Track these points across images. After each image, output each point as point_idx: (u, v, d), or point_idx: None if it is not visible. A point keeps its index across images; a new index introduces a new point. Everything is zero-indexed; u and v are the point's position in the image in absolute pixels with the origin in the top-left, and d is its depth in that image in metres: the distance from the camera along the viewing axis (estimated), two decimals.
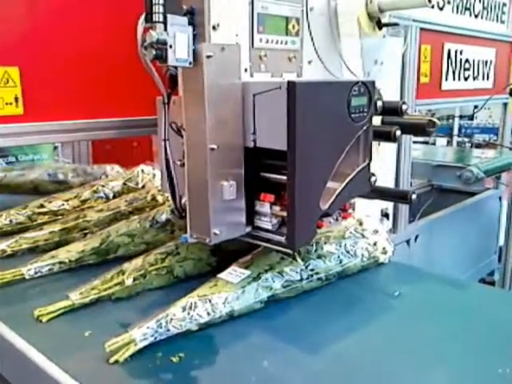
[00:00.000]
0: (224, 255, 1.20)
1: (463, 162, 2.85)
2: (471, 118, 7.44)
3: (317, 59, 1.22)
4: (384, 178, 1.71)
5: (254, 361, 0.89)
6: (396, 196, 1.31)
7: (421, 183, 2.77)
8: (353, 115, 1.04)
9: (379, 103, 1.12)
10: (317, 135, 0.98)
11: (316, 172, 0.99)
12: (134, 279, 1.11)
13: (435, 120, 1.26)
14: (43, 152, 5.58)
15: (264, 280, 1.06)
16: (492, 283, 2.86)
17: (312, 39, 1.20)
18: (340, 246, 1.20)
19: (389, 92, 1.58)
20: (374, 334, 0.98)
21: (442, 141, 6.41)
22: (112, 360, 0.86)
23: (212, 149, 0.96)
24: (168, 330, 0.92)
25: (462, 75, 2.53)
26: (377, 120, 1.24)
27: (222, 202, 1.00)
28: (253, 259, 1.13)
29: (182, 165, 1.06)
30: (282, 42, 1.14)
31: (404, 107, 1.19)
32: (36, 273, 1.18)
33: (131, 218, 1.39)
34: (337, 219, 1.13)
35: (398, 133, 1.16)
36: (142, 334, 0.89)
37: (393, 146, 2.08)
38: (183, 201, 1.10)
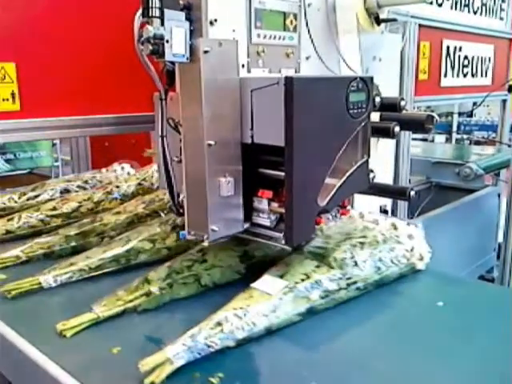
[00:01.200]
0: (252, 262, 1.15)
1: (462, 158, 2.85)
2: (470, 115, 7.44)
3: (315, 55, 1.22)
4: (383, 174, 1.70)
5: (302, 381, 0.82)
6: (395, 192, 1.31)
7: (419, 180, 2.77)
8: (351, 111, 1.03)
9: (377, 99, 1.12)
10: (315, 131, 0.98)
11: (314, 168, 0.99)
12: (161, 289, 1.04)
13: (434, 115, 1.26)
14: (42, 149, 5.58)
15: (301, 290, 0.99)
16: (491, 280, 2.86)
17: (310, 35, 1.19)
18: (376, 253, 1.13)
19: (388, 89, 1.58)
20: (425, 352, 0.90)
21: (440, 138, 6.41)
22: (148, 382, 0.79)
23: (209, 145, 0.96)
24: (204, 348, 0.84)
25: (460, 72, 2.52)
26: (375, 116, 1.23)
27: (220, 199, 1.00)
28: (286, 267, 1.07)
29: (180, 161, 1.05)
30: (279, 38, 1.14)
31: (402, 103, 1.19)
32: (55, 281, 1.11)
33: (150, 222, 1.35)
34: (335, 216, 1.13)
35: (397, 129, 1.16)
36: (176, 351, 0.82)
37: (392, 143, 2.07)
38: (181, 198, 1.09)
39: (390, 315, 1.03)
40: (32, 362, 0.87)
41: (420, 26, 2.10)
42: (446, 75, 2.44)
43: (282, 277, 1.03)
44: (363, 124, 1.07)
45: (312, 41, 1.20)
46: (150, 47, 0.90)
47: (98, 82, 1.26)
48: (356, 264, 1.09)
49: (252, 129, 1.00)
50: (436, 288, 1.18)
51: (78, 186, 1.70)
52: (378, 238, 1.18)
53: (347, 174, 1.06)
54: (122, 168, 1.82)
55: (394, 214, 2.14)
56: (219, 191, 0.99)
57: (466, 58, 2.55)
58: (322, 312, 1.01)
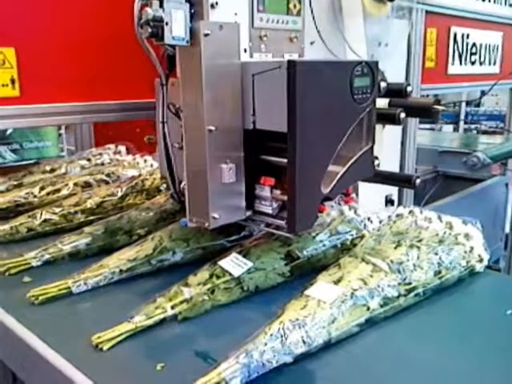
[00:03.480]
0: (297, 264, 1.08)
1: (469, 147, 2.81)
2: (478, 104, 7.37)
3: (319, 40, 1.20)
4: (388, 163, 1.68)
5: None
6: (400, 180, 1.29)
7: (426, 169, 2.74)
8: (355, 96, 1.01)
9: (383, 84, 1.09)
10: (318, 117, 0.95)
11: (317, 154, 0.97)
12: (202, 295, 0.97)
13: (440, 100, 1.23)
14: (48, 139, 5.58)
15: (360, 298, 0.91)
16: (498, 270, 2.84)
17: (314, 19, 1.17)
18: (435, 255, 1.04)
19: (394, 76, 1.55)
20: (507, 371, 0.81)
21: (448, 128, 6.35)
22: None
23: (210, 130, 0.94)
24: (262, 365, 0.76)
25: (468, 60, 2.48)
26: (384, 102, 1.21)
27: (222, 186, 0.98)
28: (340, 272, 0.99)
29: (181, 148, 1.03)
30: (282, 22, 1.11)
31: (408, 88, 1.16)
32: (85, 285, 1.04)
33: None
34: (339, 203, 1.11)
35: (403, 115, 1.13)
36: (231, 371, 0.74)
37: (398, 131, 2.05)
38: (182, 185, 1.08)
39: (456, 326, 0.94)
40: (68, 381, 0.79)
41: (427, 12, 2.07)
42: (453, 63, 2.40)
43: (337, 283, 0.95)
44: (368, 110, 1.04)
45: (316, 25, 1.18)
46: (149, 30, 0.88)
47: (98, 67, 1.24)
48: (415, 268, 1.00)
49: (254, 114, 0.98)
50: (501, 293, 1.09)
51: (101, 180, 1.63)
52: (435, 239, 1.10)
53: (351, 161, 1.04)
54: (119, 152, 1.81)
55: (400, 203, 2.12)
56: (220, 178, 0.97)
57: (473, 45, 2.51)
58: (381, 322, 0.93)
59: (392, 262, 1.00)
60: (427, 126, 5.74)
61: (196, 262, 1.10)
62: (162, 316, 0.92)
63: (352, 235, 1.16)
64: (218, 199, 0.98)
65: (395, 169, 2.02)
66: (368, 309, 0.91)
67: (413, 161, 2.19)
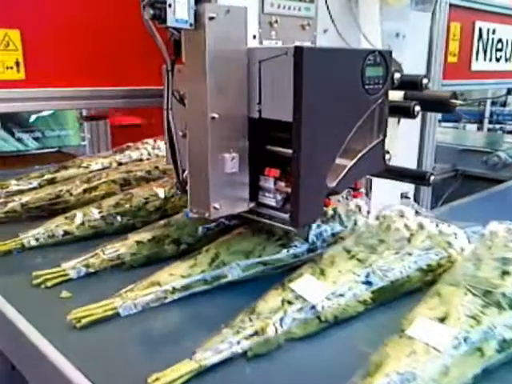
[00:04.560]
0: (379, 289, 0.93)
1: (492, 147, 2.73)
2: (504, 104, 7.20)
3: (333, 28, 1.15)
4: (406, 160, 1.63)
5: None
6: (413, 177, 1.24)
7: (445, 168, 2.67)
8: (367, 86, 0.97)
9: (397, 75, 1.05)
10: (326, 106, 0.92)
11: (324, 146, 0.93)
12: (275, 326, 0.82)
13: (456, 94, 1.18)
14: (69, 128, 5.63)
15: (474, 342, 0.75)
16: None
17: (327, 6, 1.13)
18: None
19: (413, 70, 1.49)
20: None
21: (472, 127, 6.22)
22: None
23: (213, 118, 0.91)
24: None
25: (493, 56, 2.41)
26: (399, 95, 1.16)
27: (224, 176, 0.95)
28: (443, 306, 0.83)
29: (184, 136, 1.00)
30: (295, 8, 1.07)
31: (424, 81, 1.11)
32: (135, 306, 0.91)
33: (238, 229, 1.13)
34: (347, 198, 1.07)
35: (418, 108, 1.09)
36: None
37: (416, 127, 1.99)
38: (185, 174, 1.05)
39: None
40: None
41: (451, 5, 2.00)
42: (477, 59, 2.33)
43: (442, 320, 0.80)
44: (380, 101, 1.00)
45: (330, 13, 1.13)
46: (151, 11, 0.85)
47: (106, 52, 1.22)
48: None
49: (259, 103, 0.95)
50: None
51: (141, 178, 1.53)
52: None
53: (360, 155, 1.00)
54: (159, 147, 1.73)
55: (415, 201, 2.07)
56: (223, 167, 0.94)
57: (499, 41, 2.43)
58: (497, 371, 0.76)
59: (504, 295, 0.83)
60: (450, 124, 5.63)
61: (257, 280, 1.02)
62: (229, 352, 0.78)
63: (438, 255, 1.02)
64: (219, 189, 0.95)
65: (412, 166, 1.97)
66: (483, 355, 0.75)
67: (431, 158, 2.13)
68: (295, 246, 1.07)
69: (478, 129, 6.27)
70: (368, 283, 0.92)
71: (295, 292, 0.88)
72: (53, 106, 1.18)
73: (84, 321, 0.86)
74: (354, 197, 1.08)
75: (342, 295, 0.89)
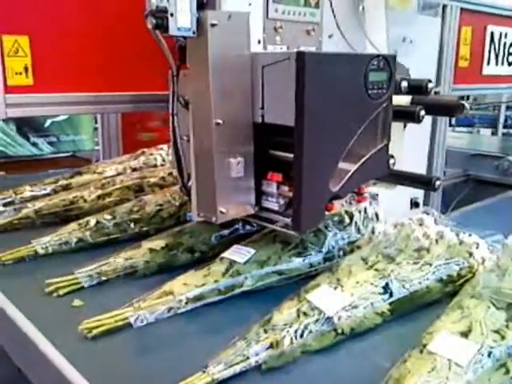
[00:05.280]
0: (396, 301, 0.91)
1: (504, 151, 2.71)
2: None
3: (338, 33, 1.16)
4: (415, 165, 1.62)
5: None
6: (419, 182, 1.23)
7: (456, 173, 2.65)
8: (370, 91, 0.97)
9: (404, 83, 1.05)
10: (328, 111, 0.92)
11: (326, 151, 0.93)
12: (290, 339, 0.79)
13: (464, 103, 1.17)
14: (83, 133, 5.70)
15: (498, 358, 0.72)
16: None
17: (333, 12, 1.13)
18: None
19: (422, 75, 1.49)
20: None
21: (486, 132, 6.16)
22: None
23: (217, 123, 0.91)
24: None
25: (505, 60, 2.39)
26: (402, 100, 1.16)
27: (230, 180, 0.95)
28: (466, 319, 0.80)
29: (189, 141, 1.01)
30: (300, 14, 1.08)
31: (430, 85, 1.11)
32: (146, 317, 0.88)
33: (253, 237, 1.11)
34: (350, 203, 1.07)
35: (423, 113, 1.08)
36: None
37: (426, 132, 1.98)
38: (191, 180, 1.06)
39: None
40: None
41: (462, 9, 1.99)
42: (488, 63, 2.31)
43: (466, 335, 0.76)
44: (384, 106, 1.00)
45: (335, 18, 1.14)
46: (153, 21, 0.86)
47: (114, 58, 1.23)
48: None
49: (263, 108, 0.95)
50: None
51: (155, 184, 1.52)
52: None
53: (364, 159, 1.00)
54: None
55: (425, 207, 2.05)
56: (229, 172, 0.95)
57: None
58: None
59: None
60: (464, 129, 5.59)
61: (272, 290, 1.00)
62: (243, 365, 0.75)
63: (459, 265, 0.99)
64: (225, 193, 0.96)
65: (422, 171, 1.96)
66: (507, 371, 0.71)
67: (441, 163, 2.12)
68: (310, 255, 1.05)
69: (493, 133, 6.21)
70: (386, 294, 0.90)
71: (311, 303, 0.86)
72: (61, 111, 1.19)
73: (95, 331, 0.85)
74: (358, 202, 1.08)
75: (359, 307, 0.86)
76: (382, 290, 0.90)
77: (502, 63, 2.38)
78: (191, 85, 0.95)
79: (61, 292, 1.00)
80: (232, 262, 1.00)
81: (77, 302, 0.97)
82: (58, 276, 1.03)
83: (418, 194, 2.02)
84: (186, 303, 0.92)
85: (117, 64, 1.23)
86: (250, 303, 0.96)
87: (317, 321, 0.83)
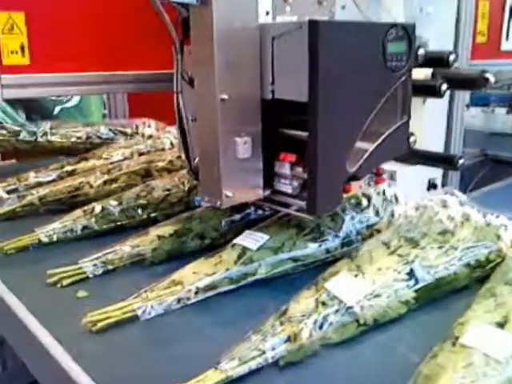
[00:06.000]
0: (422, 288, 0.83)
1: None
2: None
3: (352, 3, 1.08)
4: (432, 145, 1.55)
5: None
6: (440, 161, 1.16)
7: (474, 153, 2.56)
8: (388, 63, 0.90)
9: (421, 51, 0.97)
10: (345, 85, 0.85)
11: (343, 128, 0.86)
12: (310, 331, 0.73)
13: (488, 76, 1.10)
14: (93, 119, 5.67)
15: None
16: None
17: None
18: None
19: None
20: None
21: (501, 110, 6.03)
22: None
23: (223, 99, 0.85)
24: None
25: None
26: (421, 73, 1.08)
27: (236, 161, 0.89)
28: (503, 308, 0.73)
29: (194, 120, 0.95)
30: None
31: (451, 57, 1.04)
32: (154, 308, 0.83)
33: (266, 222, 1.05)
34: (369, 184, 1.00)
35: (444, 87, 1.01)
36: None
37: (443, 110, 1.91)
38: (196, 160, 1.00)
39: None
40: None
41: None
42: (507, 38, 2.22)
43: (502, 325, 0.70)
44: (403, 79, 0.93)
45: None
46: None
47: (115, 35, 1.17)
48: None
49: (273, 83, 0.89)
50: None
51: (163, 168, 1.46)
52: None
53: (383, 137, 0.93)
54: (149, 126, 1.70)
55: (443, 188, 1.98)
56: (235, 152, 0.88)
57: None
58: None
59: None
60: (478, 108, 5.46)
61: (287, 277, 0.94)
62: (259, 360, 0.69)
63: (487, 248, 0.92)
64: (231, 176, 0.89)
65: (439, 151, 1.88)
66: None
67: (459, 143, 2.04)
68: (327, 240, 0.98)
69: (508, 112, 6.08)
70: (411, 281, 0.83)
71: (330, 292, 0.79)
72: (60, 91, 1.14)
73: (100, 324, 0.79)
74: (377, 183, 1.02)
75: (382, 295, 0.79)
76: (406, 277, 0.83)
77: None
78: (195, 58, 0.89)
79: (64, 283, 0.94)
80: (244, 249, 0.94)
81: (81, 293, 0.91)
82: (62, 265, 0.97)
83: (436, 174, 1.95)
84: (196, 293, 0.86)
85: (119, 42, 1.17)
86: (263, 292, 0.90)
87: (337, 311, 0.76)
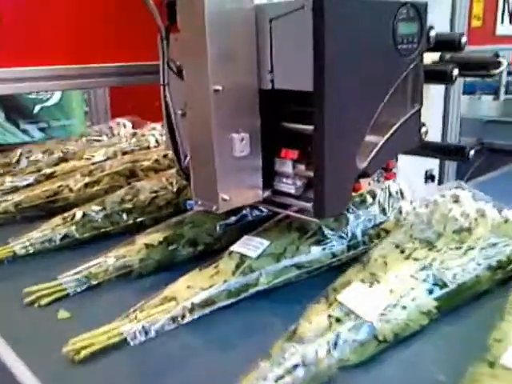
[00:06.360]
0: (446, 295, 0.75)
1: None
2: None
3: None
4: (428, 134, 1.47)
5: None
6: (450, 152, 1.07)
7: (469, 142, 2.50)
8: (399, 46, 0.81)
9: (433, 33, 0.88)
10: (353, 72, 0.76)
11: (351, 119, 0.77)
12: (324, 354, 0.64)
13: (501, 59, 1.01)
14: (74, 117, 5.52)
15: None
16: None
17: None
18: None
19: None
20: None
21: (487, 98, 6.01)
22: None
23: (216, 90, 0.75)
24: None
25: None
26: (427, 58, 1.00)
27: (233, 160, 0.80)
28: None
29: (184, 114, 0.85)
30: None
31: (463, 40, 0.95)
32: (146, 332, 0.72)
33: (265, 226, 0.95)
34: (378, 180, 0.92)
35: (456, 72, 0.92)
36: None
37: (439, 98, 1.83)
38: (187, 159, 0.90)
39: None
40: None
41: None
42: (502, 21, 2.15)
43: None
44: (415, 64, 0.84)
45: None
46: None
47: (91, 23, 1.06)
48: None
49: (272, 71, 0.79)
50: None
51: (149, 168, 1.35)
52: None
53: (394, 128, 0.84)
54: (124, 125, 1.59)
55: (440, 179, 1.91)
56: (231, 150, 0.79)
57: None
58: None
59: None
60: (466, 96, 5.42)
61: (289, 287, 0.85)
62: None
63: (509, 246, 0.84)
64: (228, 176, 0.80)
65: (436, 140, 1.81)
66: None
67: (456, 131, 1.97)
68: (332, 243, 0.89)
69: (494, 100, 6.06)
70: (431, 289, 0.74)
71: (344, 306, 0.70)
72: (31, 87, 1.02)
73: (84, 352, 0.69)
74: (387, 178, 0.93)
75: (401, 306, 0.70)
76: (425, 284, 0.74)
77: None
78: (184, 46, 0.79)
79: (43, 302, 0.83)
80: (243, 257, 0.84)
81: (62, 314, 0.81)
82: (40, 281, 0.86)
83: (433, 165, 1.88)
84: (192, 310, 0.76)
85: (95, 30, 1.06)
86: (267, 305, 0.81)
87: (354, 328, 0.67)
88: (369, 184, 0.91)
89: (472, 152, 1.04)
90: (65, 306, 0.82)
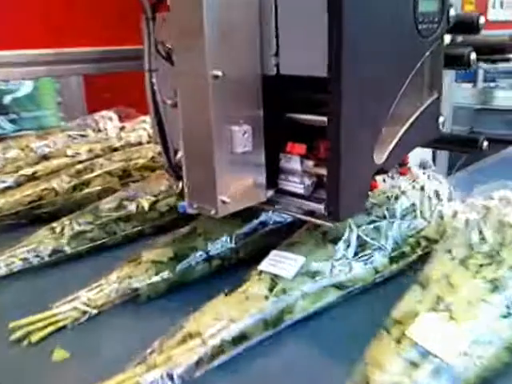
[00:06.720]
0: None
1: (486, 103, 2.48)
2: (494, 61, 6.95)
3: None
4: None
5: None
6: (463, 143, 0.99)
7: (461, 130, 2.44)
8: (420, 26, 0.71)
9: (452, 12, 0.79)
10: (372, 54, 0.66)
11: (370, 108, 0.68)
12: None
13: None
14: (46, 108, 5.33)
15: None
16: None
17: None
18: None
19: None
20: None
21: (467, 85, 6.01)
22: None
23: (215, 76, 0.65)
24: None
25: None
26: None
27: (233, 156, 0.70)
28: None
29: (175, 105, 0.75)
30: None
31: (481, 21, 0.86)
32: (168, 379, 0.57)
33: (295, 237, 0.83)
34: (392, 177, 0.83)
35: (473, 56, 0.84)
36: None
37: None
38: (178, 156, 0.80)
39: None
40: None
41: None
42: (494, 6, 2.09)
43: None
44: (435, 46, 0.75)
45: None
46: None
47: (71, 4, 0.95)
48: None
49: (277, 54, 0.69)
50: None
51: (144, 167, 1.23)
52: None
53: (413, 118, 0.75)
54: (110, 118, 1.46)
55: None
56: (231, 145, 0.69)
57: None
58: None
59: None
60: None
61: (325, 313, 0.73)
62: None
63: None
64: (227, 175, 0.70)
65: None
66: None
67: (448, 121, 1.91)
68: (373, 256, 0.77)
69: (473, 86, 6.05)
70: (510, 316, 0.61)
71: (418, 345, 0.56)
72: (5, 74, 0.89)
73: None
74: (402, 174, 0.84)
75: (485, 343, 0.57)
76: (504, 311, 0.61)
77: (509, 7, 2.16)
78: (175, 25, 0.68)
79: (33, 338, 0.69)
80: (275, 278, 0.72)
81: (58, 354, 0.66)
82: (29, 309, 0.72)
83: (427, 155, 1.81)
84: (222, 349, 0.62)
85: (68, 11, 0.95)
86: (308, 339, 0.67)
87: (435, 374, 0.53)
88: (383, 181, 0.82)
89: (486, 143, 0.96)
90: (61, 343, 0.68)
